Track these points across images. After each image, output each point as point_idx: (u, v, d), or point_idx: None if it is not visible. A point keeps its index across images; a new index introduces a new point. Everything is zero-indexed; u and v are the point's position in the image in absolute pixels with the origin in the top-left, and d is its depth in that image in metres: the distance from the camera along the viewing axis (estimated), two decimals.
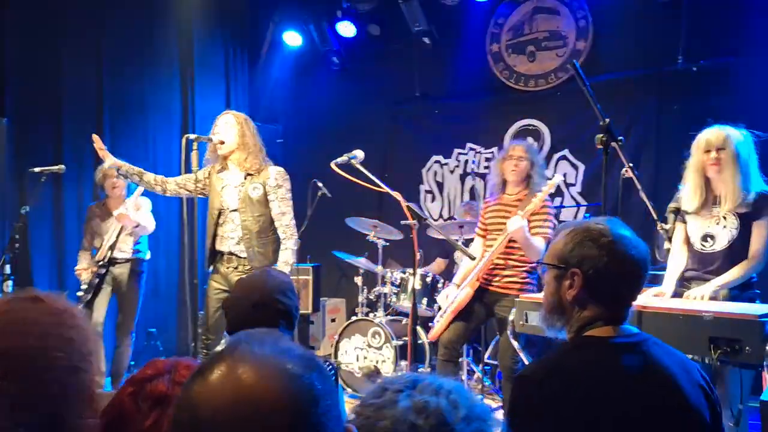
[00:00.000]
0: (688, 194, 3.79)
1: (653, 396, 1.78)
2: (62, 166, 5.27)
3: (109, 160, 4.64)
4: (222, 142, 4.54)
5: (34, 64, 6.05)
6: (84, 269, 5.62)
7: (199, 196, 4.79)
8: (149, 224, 5.74)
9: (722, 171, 3.62)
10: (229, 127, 4.58)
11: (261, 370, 0.86)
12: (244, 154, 4.58)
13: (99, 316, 5.61)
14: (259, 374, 0.85)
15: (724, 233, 3.64)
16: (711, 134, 3.66)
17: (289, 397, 0.85)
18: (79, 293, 5.60)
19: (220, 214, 4.64)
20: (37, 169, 5.19)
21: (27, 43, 5.98)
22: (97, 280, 5.58)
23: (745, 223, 3.59)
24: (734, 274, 3.56)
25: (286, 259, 4.54)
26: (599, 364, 1.83)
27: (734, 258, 3.61)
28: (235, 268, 4.57)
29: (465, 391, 1.13)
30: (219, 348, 0.93)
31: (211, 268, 4.74)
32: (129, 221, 5.52)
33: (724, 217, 3.64)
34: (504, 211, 4.66)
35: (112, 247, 5.60)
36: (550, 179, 4.67)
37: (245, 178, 4.60)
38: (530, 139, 7.10)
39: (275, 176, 4.61)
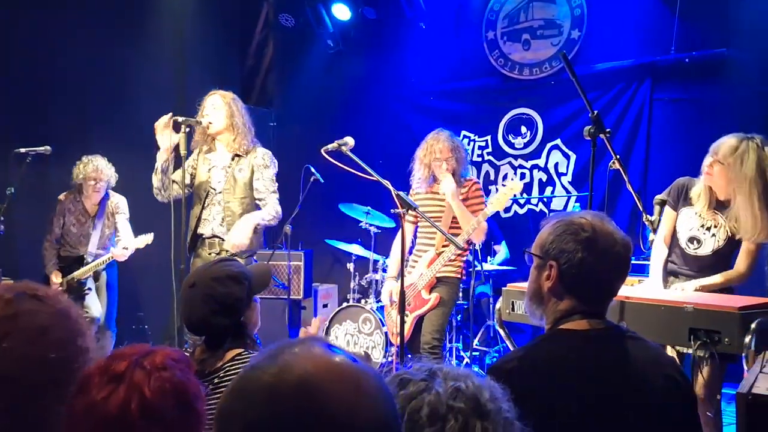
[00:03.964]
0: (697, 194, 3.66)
1: (619, 390, 1.79)
2: (48, 147, 5.20)
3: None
4: (210, 124, 4.44)
5: (18, 44, 5.97)
6: (59, 283, 5.57)
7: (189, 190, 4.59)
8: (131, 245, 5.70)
9: (714, 181, 3.52)
10: (217, 109, 4.47)
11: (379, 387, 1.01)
12: (233, 134, 4.48)
13: (96, 311, 5.66)
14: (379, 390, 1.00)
15: (711, 241, 3.59)
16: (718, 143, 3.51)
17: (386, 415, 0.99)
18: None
19: (207, 195, 4.52)
20: (22, 150, 5.14)
21: (11, 22, 5.89)
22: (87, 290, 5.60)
23: (733, 241, 3.52)
24: (717, 280, 3.51)
25: (258, 215, 4.43)
26: (567, 357, 1.85)
27: (718, 265, 3.57)
28: (218, 254, 4.44)
29: (476, 375, 1.23)
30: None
31: (193, 253, 4.62)
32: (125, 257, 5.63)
33: (716, 226, 3.56)
34: (438, 204, 4.68)
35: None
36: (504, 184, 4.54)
37: (233, 160, 4.51)
38: (523, 128, 7.09)
39: (263, 156, 4.54)
